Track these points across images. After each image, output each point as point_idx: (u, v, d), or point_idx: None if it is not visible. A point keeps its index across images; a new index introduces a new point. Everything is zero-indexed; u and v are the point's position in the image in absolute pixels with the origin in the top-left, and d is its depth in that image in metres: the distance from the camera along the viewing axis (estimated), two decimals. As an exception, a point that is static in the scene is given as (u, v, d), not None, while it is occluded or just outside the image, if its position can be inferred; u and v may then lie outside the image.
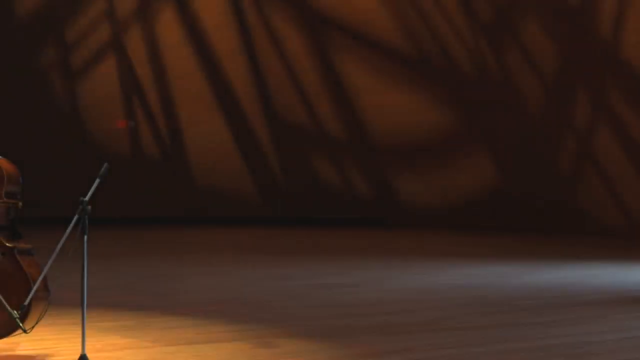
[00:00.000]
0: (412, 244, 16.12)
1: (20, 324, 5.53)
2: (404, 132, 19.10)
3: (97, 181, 5.63)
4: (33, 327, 5.73)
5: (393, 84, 19.12)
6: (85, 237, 5.50)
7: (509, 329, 7.47)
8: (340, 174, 19.95)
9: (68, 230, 5.53)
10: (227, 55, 19.71)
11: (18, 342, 6.36)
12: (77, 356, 5.56)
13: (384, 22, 19.02)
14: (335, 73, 19.58)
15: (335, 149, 19.84)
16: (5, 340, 5.91)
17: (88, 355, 5.57)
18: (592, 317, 8.15)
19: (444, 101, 18.88)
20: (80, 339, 5.57)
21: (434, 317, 8.00)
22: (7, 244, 5.75)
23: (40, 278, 5.63)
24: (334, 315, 8.10)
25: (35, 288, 5.57)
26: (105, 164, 5.68)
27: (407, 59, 19.16)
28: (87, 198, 5.57)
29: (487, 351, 6.48)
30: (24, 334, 5.69)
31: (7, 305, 5.51)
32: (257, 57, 19.84)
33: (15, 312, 5.51)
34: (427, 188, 19.09)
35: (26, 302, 5.53)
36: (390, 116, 19.04)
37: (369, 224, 19.11)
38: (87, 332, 5.58)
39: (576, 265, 12.32)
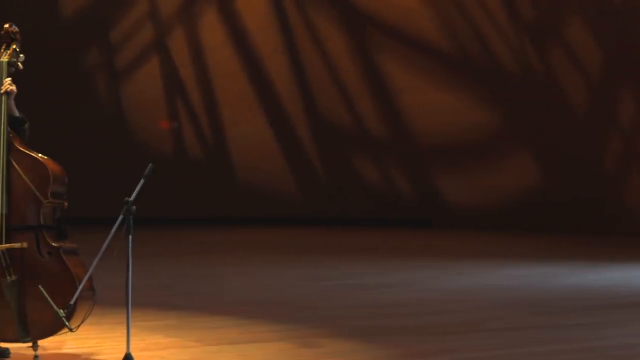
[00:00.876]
0: (455, 244, 16.05)
1: (66, 323, 5.59)
2: (446, 132, 19.00)
3: (142, 181, 5.67)
4: (78, 326, 5.79)
5: (435, 84, 19.03)
6: (130, 237, 5.55)
7: (554, 330, 7.42)
8: (383, 174, 19.90)
9: (113, 231, 5.58)
10: (269, 55, 19.76)
11: (64, 341, 6.44)
12: (122, 355, 5.61)
13: (426, 21, 18.95)
14: (377, 73, 19.53)
15: (378, 149, 19.80)
16: (51, 338, 5.97)
17: (132, 354, 5.61)
18: (638, 318, 8.06)
19: (486, 101, 18.77)
20: (124, 338, 5.62)
21: (477, 318, 7.97)
22: (53, 244, 5.81)
23: (86, 278, 5.68)
24: (376, 316, 8.09)
25: (80, 288, 5.63)
26: (150, 165, 5.72)
27: (449, 58, 19.06)
28: (132, 198, 5.62)
29: (532, 352, 6.45)
30: (69, 333, 5.74)
31: (53, 304, 5.58)
32: (298, 57, 19.86)
33: (61, 311, 5.57)
34: (469, 188, 18.98)
35: (72, 302, 5.59)
36: (433, 116, 18.96)
37: (412, 225, 19.04)
38: (131, 331, 5.62)
39: (621, 266, 12.20)
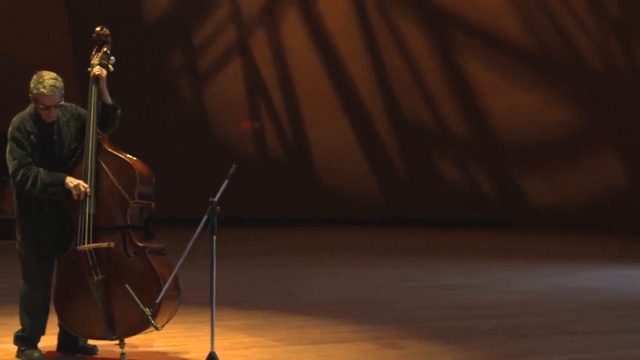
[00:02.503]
0: (538, 245, 15.86)
1: (152, 322, 5.67)
2: (529, 131, 18.80)
3: (225, 182, 5.73)
4: (164, 325, 5.87)
5: (518, 82, 18.85)
6: (214, 237, 5.61)
7: (638, 334, 7.29)
8: (464, 174, 19.78)
9: (198, 231, 5.65)
10: (351, 55, 19.77)
11: (150, 339, 6.54)
12: (206, 353, 5.67)
13: (508, 19, 18.76)
14: (459, 72, 19.42)
15: (459, 149, 19.68)
16: (140, 336, 6.08)
17: (216, 352, 5.67)
18: None
19: (570, 99, 18.52)
20: (208, 337, 5.69)
21: (561, 320, 7.87)
22: (139, 244, 5.90)
23: (171, 277, 5.76)
24: (458, 317, 8.05)
25: (166, 287, 5.71)
26: (234, 165, 5.78)
27: (531, 56, 18.85)
28: (216, 199, 5.68)
29: (616, 356, 6.35)
30: (155, 331, 5.81)
31: (140, 303, 5.66)
32: (379, 57, 19.84)
33: (147, 309, 5.65)
34: (552, 188, 18.75)
35: (157, 301, 5.67)
36: (515, 115, 18.77)
37: (494, 225, 18.89)
38: (215, 330, 5.68)
39: None
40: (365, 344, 6.70)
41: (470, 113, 19.46)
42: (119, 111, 6.14)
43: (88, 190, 5.88)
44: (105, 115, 6.06)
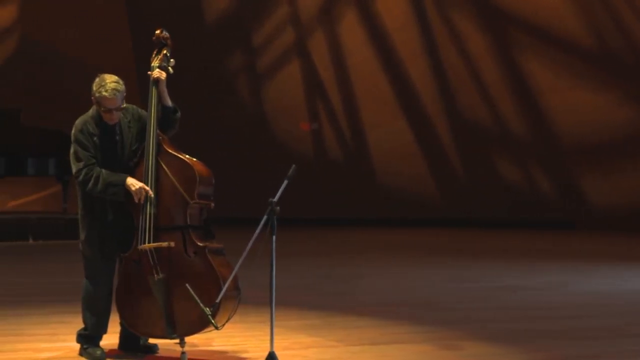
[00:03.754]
0: (599, 246, 15.67)
1: (212, 321, 5.72)
2: (590, 131, 18.59)
3: (285, 182, 5.76)
4: (224, 324, 5.91)
5: (578, 82, 18.64)
6: (274, 237, 5.63)
7: None
8: (524, 174, 19.60)
9: (257, 231, 5.68)
10: (409, 55, 19.72)
11: (210, 338, 6.60)
12: (265, 353, 5.70)
13: (569, 17, 18.56)
14: (519, 71, 19.25)
15: (519, 149, 19.52)
16: (199, 336, 6.14)
17: (276, 352, 5.70)
18: None
19: (632, 98, 18.26)
20: (268, 337, 5.72)
21: (621, 323, 7.78)
22: (199, 244, 5.95)
23: (231, 277, 5.80)
24: (517, 319, 7.99)
25: (226, 287, 5.75)
26: (293, 166, 5.80)
27: (593, 55, 18.63)
28: (275, 199, 5.71)
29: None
30: (214, 331, 5.86)
31: (200, 303, 5.72)
32: (439, 57, 19.75)
33: (207, 309, 5.70)
34: (615, 189, 18.52)
35: (217, 300, 5.72)
36: (576, 115, 18.57)
37: (554, 226, 18.70)
38: (274, 330, 5.71)
39: None
40: (424, 345, 6.69)
41: (530, 112, 19.29)
42: (178, 114, 6.19)
43: (150, 193, 5.95)
44: (165, 118, 6.12)
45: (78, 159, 6.02)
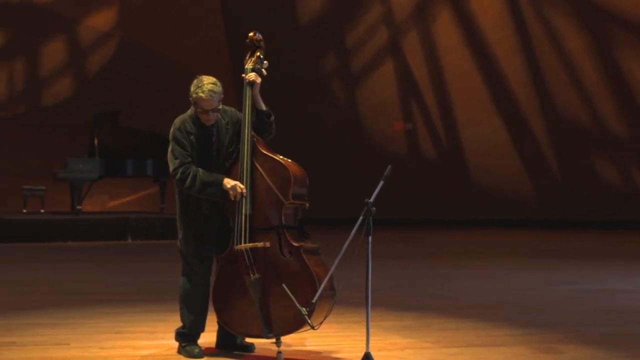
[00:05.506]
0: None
1: (309, 321, 5.72)
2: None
3: (381, 183, 5.73)
4: (321, 324, 5.92)
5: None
6: (370, 238, 5.61)
7: None
8: (623, 174, 19.22)
9: (353, 231, 5.66)
10: (504, 54, 19.50)
11: (305, 338, 6.62)
12: (361, 354, 5.69)
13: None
14: (619, 71, 18.88)
15: (618, 149, 19.15)
16: (294, 335, 6.16)
17: (371, 353, 5.68)
18: None
19: None
20: (363, 337, 5.70)
21: None
22: (294, 244, 5.97)
23: (327, 278, 5.80)
24: (616, 322, 7.82)
25: (322, 287, 5.75)
26: (389, 167, 5.77)
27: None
28: (371, 199, 5.69)
29: None
30: (309, 331, 5.87)
31: (296, 302, 5.73)
32: (534, 56, 19.49)
33: (304, 309, 5.71)
34: None
35: (314, 300, 5.72)
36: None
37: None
38: (370, 330, 5.69)
39: None
40: (521, 347, 6.59)
41: (630, 112, 18.89)
42: (272, 118, 6.21)
43: (244, 191, 5.99)
44: (260, 123, 6.14)
45: (175, 157, 6.10)
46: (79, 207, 15.74)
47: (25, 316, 7.74)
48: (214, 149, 6.15)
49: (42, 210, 16.14)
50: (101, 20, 19.79)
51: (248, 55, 6.32)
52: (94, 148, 15.75)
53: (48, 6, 19.34)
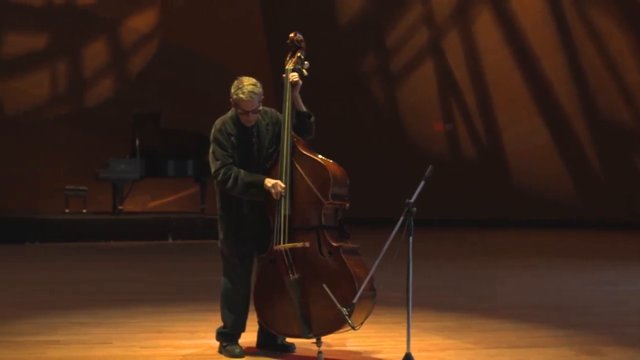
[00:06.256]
0: None
1: (349, 321, 5.73)
2: None
3: (422, 183, 5.72)
4: (361, 324, 5.92)
5: None
6: (411, 238, 5.60)
7: None
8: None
9: (394, 232, 5.66)
10: (546, 54, 19.36)
11: (345, 338, 6.62)
12: (401, 354, 5.69)
13: None
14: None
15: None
16: (334, 336, 6.17)
17: (412, 354, 5.67)
18: None
19: None
20: (403, 338, 5.70)
21: None
22: (334, 244, 5.97)
23: (368, 278, 5.80)
24: (661, 324, 7.75)
25: (362, 288, 5.75)
26: (430, 167, 5.76)
27: None
28: (412, 200, 5.68)
29: None
30: (349, 331, 5.87)
31: (337, 303, 5.73)
32: (576, 56, 19.33)
33: (344, 309, 5.71)
34: None
35: (354, 301, 5.72)
36: None
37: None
38: (410, 331, 5.69)
39: None
40: (563, 349, 6.55)
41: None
42: (312, 118, 6.22)
43: (284, 190, 6.01)
44: (300, 124, 6.16)
45: (216, 159, 6.13)
46: (120, 207, 15.87)
47: (68, 315, 7.83)
48: (255, 149, 6.17)
49: (84, 210, 16.28)
50: (142, 21, 19.91)
51: (289, 56, 6.33)
52: (136, 149, 15.87)
53: (90, 8, 19.50)
